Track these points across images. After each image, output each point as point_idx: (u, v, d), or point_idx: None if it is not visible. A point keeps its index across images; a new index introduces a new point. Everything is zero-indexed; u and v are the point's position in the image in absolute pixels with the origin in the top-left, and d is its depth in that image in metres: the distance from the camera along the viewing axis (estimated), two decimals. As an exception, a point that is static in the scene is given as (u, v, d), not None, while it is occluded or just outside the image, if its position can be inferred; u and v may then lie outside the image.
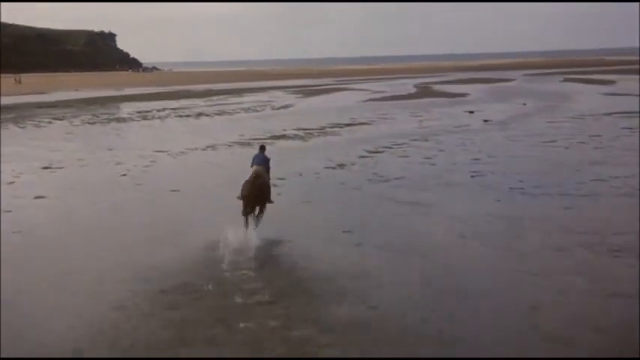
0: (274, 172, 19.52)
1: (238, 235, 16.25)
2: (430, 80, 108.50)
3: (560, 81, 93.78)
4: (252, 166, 17.50)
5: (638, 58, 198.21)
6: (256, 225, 16.81)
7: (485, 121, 44.54)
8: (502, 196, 21.36)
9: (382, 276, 14.03)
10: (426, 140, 36.15)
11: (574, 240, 16.24)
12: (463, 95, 71.00)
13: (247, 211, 16.60)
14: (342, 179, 25.68)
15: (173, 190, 24.17)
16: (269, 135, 40.66)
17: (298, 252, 15.93)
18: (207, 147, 36.26)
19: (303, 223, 18.65)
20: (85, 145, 38.21)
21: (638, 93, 64.46)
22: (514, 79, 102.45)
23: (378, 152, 32.41)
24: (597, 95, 64.40)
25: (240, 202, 16.76)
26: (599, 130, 37.42)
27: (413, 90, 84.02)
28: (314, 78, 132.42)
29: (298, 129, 43.43)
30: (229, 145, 36.83)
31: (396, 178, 25.20)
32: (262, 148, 18.49)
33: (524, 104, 56.54)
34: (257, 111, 59.86)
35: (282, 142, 37.84)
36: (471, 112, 51.44)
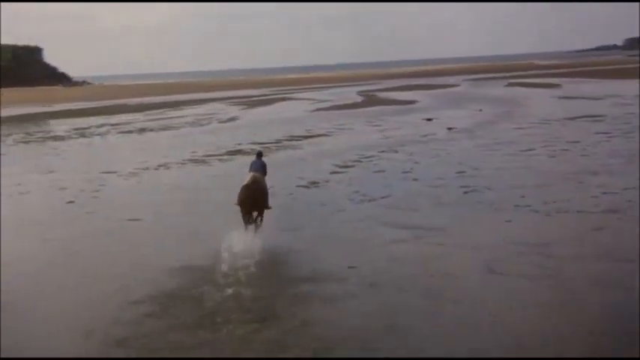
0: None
1: (241, 242, 16.18)
2: (372, 88, 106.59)
3: (504, 85, 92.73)
4: (249, 172, 17.68)
5: (563, 62, 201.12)
6: (256, 230, 16.83)
7: (449, 129, 42.47)
8: (511, 216, 18.98)
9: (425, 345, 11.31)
10: (396, 152, 33.81)
11: (631, 269, 13.93)
12: (412, 102, 69.13)
13: (246, 217, 16.82)
14: (320, 199, 23.11)
15: (133, 220, 21.17)
16: (224, 151, 37.83)
17: (290, 316, 12.53)
18: (159, 166, 33.23)
19: (291, 262, 15.95)
20: (22, 168, 34.70)
21: (589, 96, 63.63)
22: (457, 85, 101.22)
23: (349, 167, 29.93)
24: (550, 99, 63.21)
25: (238, 208, 16.98)
26: (573, 135, 35.62)
27: (358, 98, 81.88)
28: (254, 88, 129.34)
29: (253, 143, 40.63)
30: (182, 164, 33.87)
31: (382, 197, 22.71)
32: (259, 154, 18.79)
33: (480, 110, 54.82)
34: (203, 125, 56.75)
35: (240, 159, 34.95)
36: (429, 119, 49.45)
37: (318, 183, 26.20)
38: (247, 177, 17.36)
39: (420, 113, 55.45)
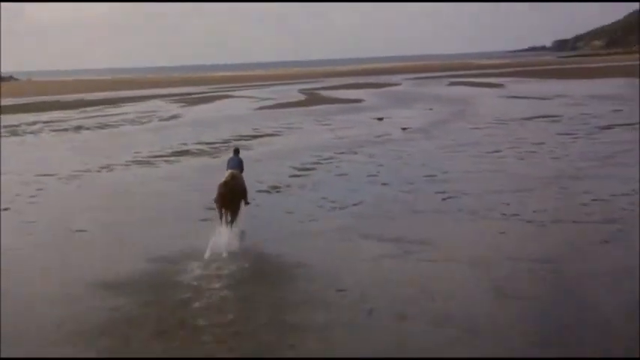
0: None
1: (219, 239, 15.79)
2: (313, 86, 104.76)
3: (446, 85, 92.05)
4: (227, 169, 17.71)
5: (499, 62, 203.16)
6: (231, 227, 16.56)
7: (404, 129, 40.96)
8: (502, 227, 17.38)
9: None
10: (355, 153, 32.06)
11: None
12: (358, 101, 67.55)
13: (223, 215, 16.55)
14: (286, 207, 21.18)
15: (78, 231, 18.87)
16: (169, 151, 35.55)
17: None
18: (102, 168, 30.77)
19: (269, 284, 13.90)
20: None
21: (536, 95, 63.08)
22: (399, 84, 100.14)
23: (309, 169, 28.04)
24: (498, 99, 62.35)
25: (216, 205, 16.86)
26: (536, 137, 34.41)
27: (301, 97, 79.96)
28: (191, 86, 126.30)
29: (200, 143, 38.46)
30: (126, 165, 31.48)
31: (354, 205, 20.89)
32: (236, 151, 18.88)
33: (431, 109, 53.58)
34: (143, 123, 54.03)
35: (188, 160, 32.81)
36: (380, 118, 47.92)
37: (279, 188, 24.24)
38: (225, 174, 17.20)
39: (368, 112, 53.92)
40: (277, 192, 23.60)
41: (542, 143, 31.88)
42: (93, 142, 41.85)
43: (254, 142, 38.19)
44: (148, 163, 32.01)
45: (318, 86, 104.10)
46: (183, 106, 72.74)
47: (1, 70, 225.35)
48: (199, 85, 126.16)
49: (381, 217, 19.02)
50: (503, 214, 18.52)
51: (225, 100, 79.94)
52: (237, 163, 18.06)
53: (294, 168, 28.19)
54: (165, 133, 44.91)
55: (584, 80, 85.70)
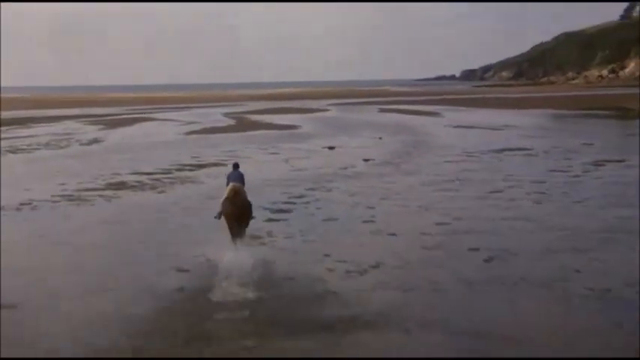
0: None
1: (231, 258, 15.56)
2: (236, 110, 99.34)
3: (378, 111, 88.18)
4: (227, 184, 17.03)
5: (416, 89, 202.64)
6: (241, 239, 16.38)
7: (366, 160, 36.34)
8: (610, 313, 12.66)
9: None
10: (328, 190, 27.15)
11: None
12: (295, 127, 62.71)
13: (234, 231, 16.24)
14: (285, 271, 15.89)
15: (7, 307, 13.25)
16: (103, 183, 29.94)
17: None
18: (22, 204, 24.88)
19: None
20: None
21: (484, 125, 59.68)
22: (327, 109, 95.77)
23: (285, 212, 22.96)
24: (445, 128, 58.53)
25: (220, 221, 16.74)
26: (526, 173, 30.19)
27: (230, 121, 74.53)
28: (102, 107, 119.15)
29: (136, 173, 32.86)
30: (54, 202, 25.63)
31: (373, 267, 15.90)
32: (236, 165, 17.98)
33: (380, 138, 49.20)
34: (62, 147, 47.67)
35: (129, 195, 27.17)
36: (331, 147, 43.29)
37: (261, 238, 18.98)
38: (227, 189, 16.77)
39: (313, 140, 49.25)
40: (261, 245, 18.33)
41: (543, 182, 27.64)
42: (4, 170, 35.39)
43: (200, 173, 32.80)
44: (79, 198, 26.18)
45: (241, 110, 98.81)
46: (102, 128, 66.22)
47: None
48: (112, 106, 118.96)
49: (426, 292, 14.06)
50: (590, 290, 13.84)
51: (148, 124, 73.69)
52: (238, 177, 17.26)
53: (266, 209, 22.96)
54: (91, 161, 38.91)
55: (515, 110, 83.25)
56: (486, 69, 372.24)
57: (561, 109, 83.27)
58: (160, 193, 27.43)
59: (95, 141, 51.88)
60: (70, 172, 33.47)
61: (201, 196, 26.19)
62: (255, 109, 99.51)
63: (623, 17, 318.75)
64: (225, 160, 37.57)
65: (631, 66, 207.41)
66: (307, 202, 24.49)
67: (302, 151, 41.58)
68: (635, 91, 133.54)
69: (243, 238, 16.46)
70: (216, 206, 17.23)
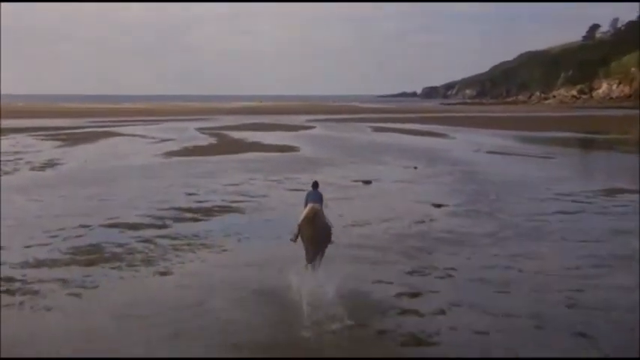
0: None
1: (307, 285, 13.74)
2: (210, 125, 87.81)
3: (372, 131, 77.51)
4: (305, 205, 15.06)
5: (387, 106, 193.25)
6: (318, 266, 14.54)
7: (437, 206, 25.54)
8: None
9: None
10: (441, 277, 16.14)
11: None
12: (292, 149, 51.70)
13: (312, 256, 14.48)
14: None
15: None
16: (64, 248, 18.57)
17: None
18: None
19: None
20: None
21: (520, 152, 49.45)
22: (312, 127, 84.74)
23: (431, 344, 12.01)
24: (478, 154, 47.84)
25: (296, 244, 14.93)
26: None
27: (210, 139, 63.06)
28: (59, 117, 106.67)
29: (114, 225, 21.71)
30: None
31: None
32: (315, 184, 15.64)
33: (416, 168, 38.52)
34: (7, 172, 35.95)
35: (109, 282, 15.79)
36: (366, 182, 32.51)
37: None
38: (306, 210, 14.81)
39: (328, 168, 38.40)
40: None
41: None
42: None
43: (212, 227, 21.61)
44: (21, 291, 14.83)
45: (215, 125, 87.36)
46: (60, 145, 54.41)
47: None
48: (70, 118, 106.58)
49: None
50: None
51: (114, 140, 61.93)
52: (318, 198, 15.08)
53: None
54: (45, 197, 27.43)
55: (524, 132, 73.53)
56: (449, 86, 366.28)
57: (577, 131, 73.59)
58: (161, 274, 16.18)
59: (51, 164, 40.12)
60: (12, 222, 22.06)
61: (237, 285, 15.12)
62: (230, 125, 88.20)
63: (585, 38, 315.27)
64: (238, 201, 26.59)
65: (603, 87, 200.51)
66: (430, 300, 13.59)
67: (332, 187, 30.48)
68: (621, 112, 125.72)
69: (320, 264, 14.60)
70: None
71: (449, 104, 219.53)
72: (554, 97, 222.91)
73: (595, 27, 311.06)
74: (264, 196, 28.20)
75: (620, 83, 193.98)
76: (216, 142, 59.62)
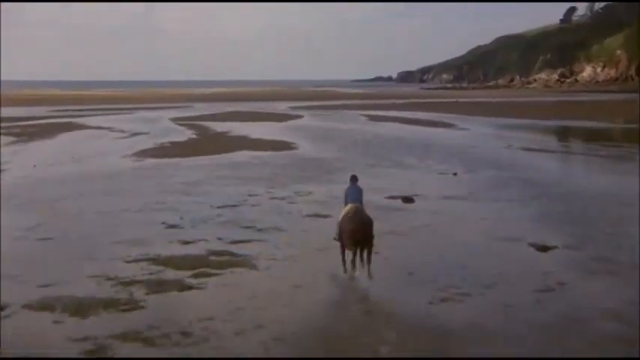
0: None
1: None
2: (185, 115, 78.52)
3: (366, 120, 68.58)
4: (345, 203, 14.37)
5: (367, 91, 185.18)
6: (369, 271, 13.72)
7: (544, 249, 16.90)
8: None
9: None
10: None
11: None
12: (288, 146, 42.88)
13: (353, 254, 13.88)
14: None
15: None
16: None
17: None
18: None
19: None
20: None
21: (565, 149, 41.21)
22: (300, 116, 75.62)
23: None
24: (514, 152, 39.39)
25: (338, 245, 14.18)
26: None
27: (188, 132, 53.95)
28: (14, 106, 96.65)
29: (49, 305, 12.70)
30: None
31: None
32: (354, 178, 14.93)
33: (455, 174, 29.95)
34: None
35: None
36: (407, 199, 23.91)
37: None
38: (346, 208, 14.11)
39: (343, 175, 29.66)
40: None
41: None
42: None
43: (207, 302, 12.87)
44: None
45: (192, 115, 78.06)
46: (11, 142, 45.42)
47: None
48: (29, 105, 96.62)
49: None
50: None
51: (76, 134, 52.66)
52: (357, 194, 14.38)
53: None
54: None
55: (527, 120, 65.50)
56: (425, 71, 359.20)
57: (596, 119, 65.39)
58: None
59: (-9, 174, 30.94)
60: None
61: None
62: (209, 114, 79.03)
63: (563, 21, 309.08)
64: (242, 242, 17.92)
65: (588, 70, 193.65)
66: None
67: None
68: (617, 96, 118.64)
69: (365, 263, 13.71)
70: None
71: (429, 89, 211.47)
72: (535, 80, 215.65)
73: (572, 10, 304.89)
74: (277, 229, 19.40)
75: (604, 67, 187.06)
76: (196, 136, 50.58)
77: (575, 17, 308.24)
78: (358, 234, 13.63)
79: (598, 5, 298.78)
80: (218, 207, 22.64)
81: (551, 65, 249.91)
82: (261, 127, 58.97)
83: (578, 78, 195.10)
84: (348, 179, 15.58)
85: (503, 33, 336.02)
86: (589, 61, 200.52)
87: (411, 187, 26.62)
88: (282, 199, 24.31)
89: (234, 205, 22.94)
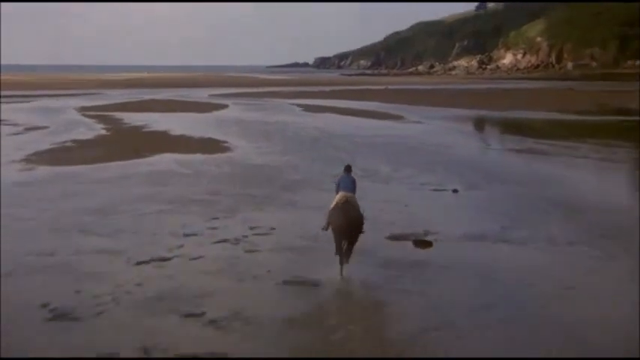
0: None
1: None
2: (93, 103, 68.29)
3: (302, 110, 60.36)
4: (337, 192, 13.60)
5: (286, 77, 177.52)
6: (347, 261, 13.20)
7: None
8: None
9: None
10: None
11: None
12: (223, 147, 34.61)
13: (341, 245, 13.12)
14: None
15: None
16: None
17: None
18: None
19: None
20: None
21: (558, 151, 34.24)
22: (225, 105, 66.62)
23: None
24: (504, 156, 32.40)
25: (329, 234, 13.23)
26: None
27: (98, 127, 44.51)
28: None
29: None
30: None
31: None
32: (348, 168, 14.11)
33: (455, 191, 22.30)
34: None
35: None
36: (423, 243, 16.25)
37: None
38: (337, 197, 13.41)
39: (303, 193, 21.99)
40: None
41: None
42: None
43: None
44: None
45: (102, 103, 68.17)
46: None
47: None
48: None
49: None
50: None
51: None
52: (350, 184, 13.64)
53: None
54: None
55: (481, 111, 59.14)
56: (342, 57, 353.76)
57: (561, 111, 59.26)
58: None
59: None
60: None
61: None
62: (122, 102, 69.55)
63: (479, 8, 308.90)
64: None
65: (509, 57, 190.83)
66: None
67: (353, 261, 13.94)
68: (548, 84, 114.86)
69: (349, 258, 13.19)
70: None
71: (351, 75, 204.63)
72: (454, 67, 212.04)
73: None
74: (243, 321, 11.25)
75: (525, 54, 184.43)
76: (107, 132, 41.46)
77: (490, 4, 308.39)
78: (346, 231, 13.02)
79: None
80: (137, 263, 14.34)
81: (469, 51, 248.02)
82: (183, 119, 50.16)
83: (500, 65, 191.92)
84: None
85: (420, 19, 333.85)
86: (508, 48, 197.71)
87: (409, 215, 18.88)
88: (235, 242, 16.13)
89: (162, 260, 14.63)
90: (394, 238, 16.44)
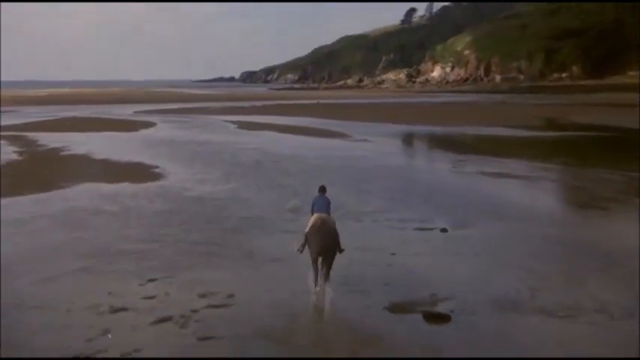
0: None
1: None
2: (6, 123, 62.68)
3: (236, 128, 55.79)
4: (312, 213, 13.26)
5: (217, 92, 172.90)
6: (326, 280, 12.68)
7: None
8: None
9: None
10: None
11: None
12: (153, 173, 29.98)
13: (317, 268, 12.71)
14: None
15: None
16: None
17: None
18: None
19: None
20: None
21: (507, 172, 30.81)
22: (152, 123, 61.33)
23: None
24: (469, 178, 28.73)
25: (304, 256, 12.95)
26: None
27: (10, 150, 39.17)
28: None
29: None
30: None
31: None
32: (322, 189, 13.82)
33: (444, 231, 18.34)
34: None
35: None
36: (438, 319, 12.04)
37: None
38: (312, 218, 13.04)
39: (258, 238, 17.73)
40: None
41: None
42: None
43: None
44: None
45: (16, 123, 61.99)
46: None
47: None
48: None
49: None
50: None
51: None
52: (325, 204, 13.35)
53: None
54: None
55: (427, 126, 56.09)
56: (269, 71, 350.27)
57: (516, 126, 56.37)
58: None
59: None
60: None
61: None
62: (38, 121, 63.64)
63: (404, 22, 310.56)
64: None
65: (437, 70, 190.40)
66: None
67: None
68: (481, 97, 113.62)
69: (328, 278, 12.69)
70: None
71: (279, 89, 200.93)
72: (383, 81, 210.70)
73: (412, 11, 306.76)
74: None
75: (454, 67, 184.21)
76: (18, 155, 36.14)
77: (414, 18, 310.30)
78: (325, 253, 12.62)
79: (437, 7, 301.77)
80: (42, 371, 9.72)
81: (395, 65, 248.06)
82: (107, 139, 45.02)
83: (429, 78, 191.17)
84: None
85: (346, 33, 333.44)
86: (435, 61, 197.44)
87: (402, 269, 14.78)
88: (182, 322, 11.89)
89: (79, 361, 10.07)
90: (396, 309, 12.26)
